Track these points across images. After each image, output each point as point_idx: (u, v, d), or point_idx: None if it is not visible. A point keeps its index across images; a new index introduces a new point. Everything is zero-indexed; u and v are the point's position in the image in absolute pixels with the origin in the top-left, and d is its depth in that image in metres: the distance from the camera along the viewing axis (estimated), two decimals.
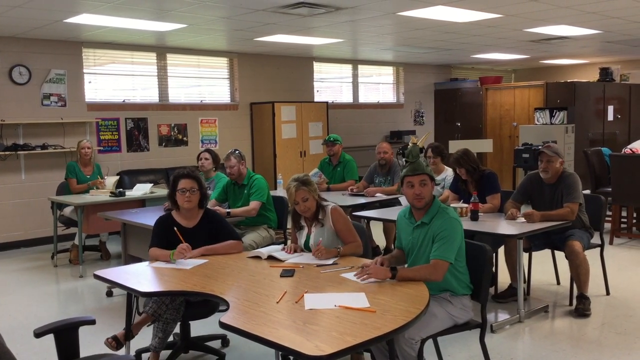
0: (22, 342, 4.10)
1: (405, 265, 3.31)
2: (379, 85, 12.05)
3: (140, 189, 6.53)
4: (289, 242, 4.01)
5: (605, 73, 11.68)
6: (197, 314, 3.69)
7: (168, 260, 3.58)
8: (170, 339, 3.96)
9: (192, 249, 3.69)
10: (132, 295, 3.46)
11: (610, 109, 11.52)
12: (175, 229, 3.72)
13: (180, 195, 3.79)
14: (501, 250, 4.91)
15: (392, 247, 6.15)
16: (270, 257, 3.60)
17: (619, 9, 6.54)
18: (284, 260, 3.53)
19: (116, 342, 3.52)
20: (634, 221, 7.36)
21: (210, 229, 3.86)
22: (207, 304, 3.65)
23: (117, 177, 7.06)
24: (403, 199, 5.63)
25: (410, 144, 3.34)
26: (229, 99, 9.67)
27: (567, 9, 6.49)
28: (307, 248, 3.75)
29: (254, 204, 5.11)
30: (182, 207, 3.82)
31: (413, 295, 2.79)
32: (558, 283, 5.38)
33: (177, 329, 3.92)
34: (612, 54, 11.24)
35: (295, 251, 3.70)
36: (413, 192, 3.19)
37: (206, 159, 5.85)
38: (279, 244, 4.43)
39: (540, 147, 7.94)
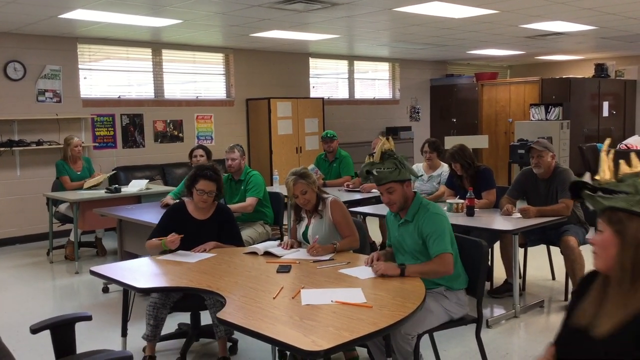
0: (18, 339, 4.09)
1: (396, 262, 3.31)
2: (375, 81, 12.04)
3: (136, 185, 6.53)
4: (285, 238, 4.02)
5: (601, 69, 11.68)
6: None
7: (161, 248, 3.65)
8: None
9: (202, 241, 3.75)
10: (128, 291, 3.46)
11: (606, 104, 11.54)
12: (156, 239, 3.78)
13: (198, 196, 3.82)
14: (497, 246, 4.92)
15: None
16: (267, 253, 3.60)
17: (614, 5, 6.55)
18: (281, 256, 3.54)
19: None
20: None
21: (220, 222, 3.90)
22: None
23: (114, 172, 7.08)
24: None
25: (367, 159, 3.33)
26: (225, 95, 9.65)
27: (563, 5, 6.50)
28: (305, 239, 3.75)
29: (250, 200, 5.12)
30: (197, 204, 3.87)
31: (409, 291, 2.79)
32: (553, 278, 5.40)
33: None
34: (607, 50, 11.25)
35: (292, 247, 3.70)
36: (384, 200, 3.25)
37: (201, 155, 5.85)
38: (275, 239, 4.43)
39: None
